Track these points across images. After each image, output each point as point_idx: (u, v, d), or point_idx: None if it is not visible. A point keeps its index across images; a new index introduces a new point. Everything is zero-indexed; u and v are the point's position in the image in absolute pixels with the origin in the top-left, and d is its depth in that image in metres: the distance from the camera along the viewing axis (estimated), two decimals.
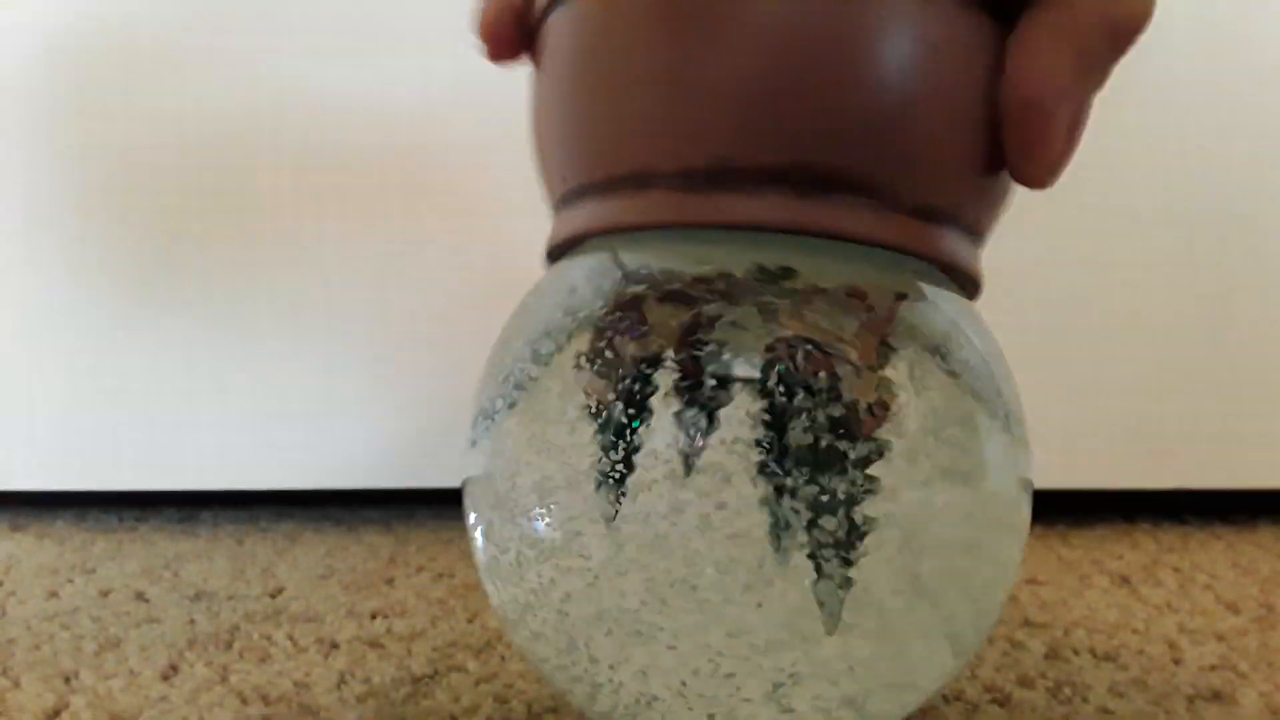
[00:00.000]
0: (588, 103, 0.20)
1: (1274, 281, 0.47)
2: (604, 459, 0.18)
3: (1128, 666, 0.29)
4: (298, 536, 0.46)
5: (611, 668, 0.19)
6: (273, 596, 0.36)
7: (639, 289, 0.19)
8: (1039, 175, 0.19)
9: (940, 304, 0.20)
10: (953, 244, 0.20)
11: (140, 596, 0.36)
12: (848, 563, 0.17)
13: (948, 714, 0.25)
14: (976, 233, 0.21)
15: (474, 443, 0.21)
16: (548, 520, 0.19)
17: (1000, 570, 0.20)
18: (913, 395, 0.18)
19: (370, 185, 0.46)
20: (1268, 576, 0.39)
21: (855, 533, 0.17)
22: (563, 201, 0.21)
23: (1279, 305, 0.47)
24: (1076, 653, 0.30)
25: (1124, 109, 0.45)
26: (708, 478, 0.17)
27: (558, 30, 0.20)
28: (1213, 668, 0.29)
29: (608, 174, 0.19)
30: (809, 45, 0.18)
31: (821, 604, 0.17)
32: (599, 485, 0.18)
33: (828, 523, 0.17)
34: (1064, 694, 0.27)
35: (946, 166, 0.19)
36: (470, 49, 0.21)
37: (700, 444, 0.18)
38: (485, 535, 0.21)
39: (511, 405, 0.20)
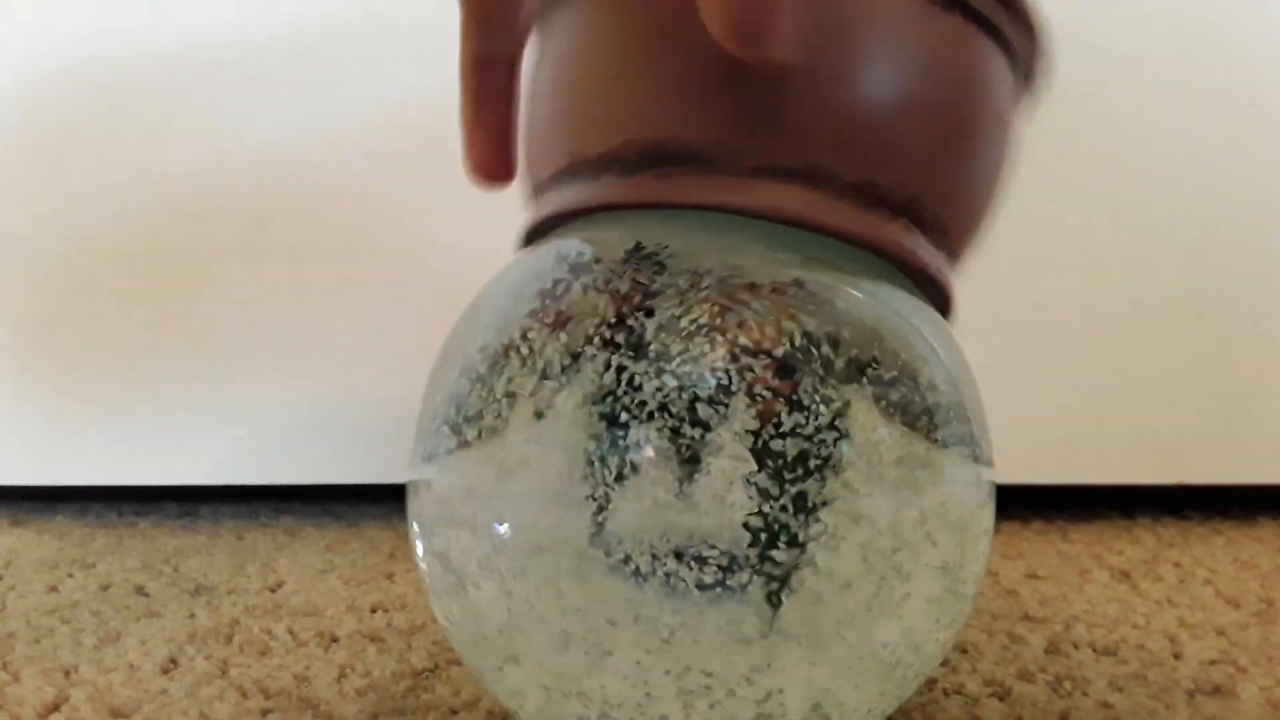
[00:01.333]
0: (553, 97, 0.20)
1: (1275, 278, 0.47)
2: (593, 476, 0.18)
3: (1128, 661, 0.29)
4: (298, 531, 0.46)
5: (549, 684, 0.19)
6: (273, 591, 0.36)
7: (563, 277, 0.19)
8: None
9: (897, 304, 0.20)
10: (917, 244, 0.20)
11: (140, 591, 0.36)
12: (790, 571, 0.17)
13: (948, 707, 0.25)
14: (952, 248, 0.21)
15: (428, 458, 0.21)
16: (506, 532, 0.18)
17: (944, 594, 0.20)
18: (868, 423, 0.18)
19: (363, 177, 0.46)
20: (1267, 571, 0.39)
21: (800, 546, 0.17)
22: (540, 188, 0.22)
23: (1279, 301, 0.47)
24: (1077, 647, 0.30)
25: (1125, 108, 0.45)
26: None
27: (549, 35, 0.21)
28: (1213, 662, 0.29)
29: (563, 162, 0.20)
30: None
31: (762, 611, 0.17)
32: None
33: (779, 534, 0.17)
34: (1064, 688, 0.27)
35: (913, 163, 0.19)
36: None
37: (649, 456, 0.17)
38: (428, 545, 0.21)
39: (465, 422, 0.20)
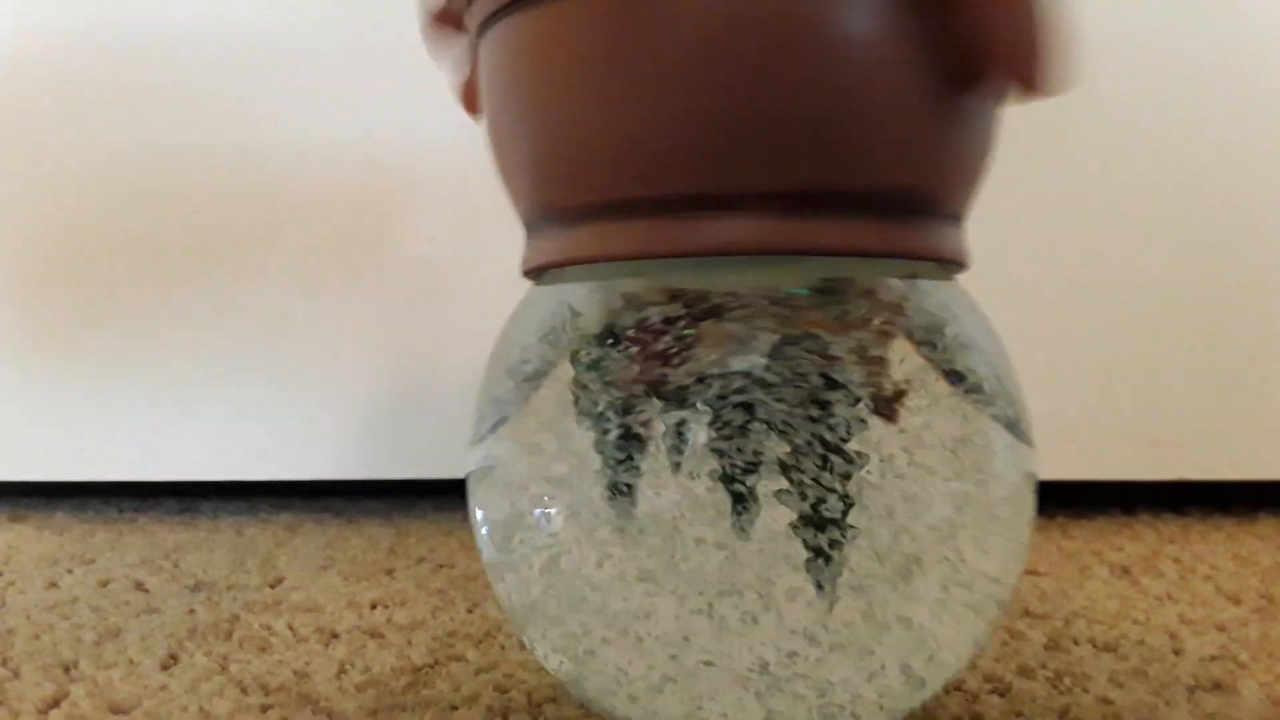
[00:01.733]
0: (555, 126, 0.19)
1: (1275, 273, 0.47)
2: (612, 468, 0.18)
3: (1128, 657, 0.29)
4: (298, 527, 0.46)
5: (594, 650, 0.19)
6: (273, 587, 0.36)
7: (645, 314, 0.19)
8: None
9: (937, 296, 0.20)
10: (937, 236, 0.19)
11: (140, 587, 0.36)
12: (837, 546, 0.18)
13: (948, 704, 0.25)
14: (957, 214, 0.21)
15: (479, 438, 0.22)
16: (551, 522, 0.19)
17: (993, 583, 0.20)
18: (918, 395, 0.18)
19: (363, 173, 0.45)
20: (1268, 567, 0.39)
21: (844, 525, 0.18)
22: (543, 221, 0.20)
23: (1279, 298, 0.47)
24: (1077, 643, 0.30)
25: (1123, 103, 0.45)
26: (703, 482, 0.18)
27: (505, 43, 0.19)
28: (1213, 658, 0.29)
29: (584, 200, 0.19)
30: (754, 70, 0.17)
31: (818, 585, 0.18)
32: (612, 495, 0.19)
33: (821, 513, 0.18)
34: (1064, 684, 0.27)
35: (912, 160, 0.18)
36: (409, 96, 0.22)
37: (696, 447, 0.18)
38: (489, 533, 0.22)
39: (503, 421, 0.21)
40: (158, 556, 0.40)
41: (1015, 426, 0.20)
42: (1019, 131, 0.47)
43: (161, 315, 0.47)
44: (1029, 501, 0.21)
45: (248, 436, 0.47)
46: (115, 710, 0.25)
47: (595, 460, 0.19)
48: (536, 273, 0.21)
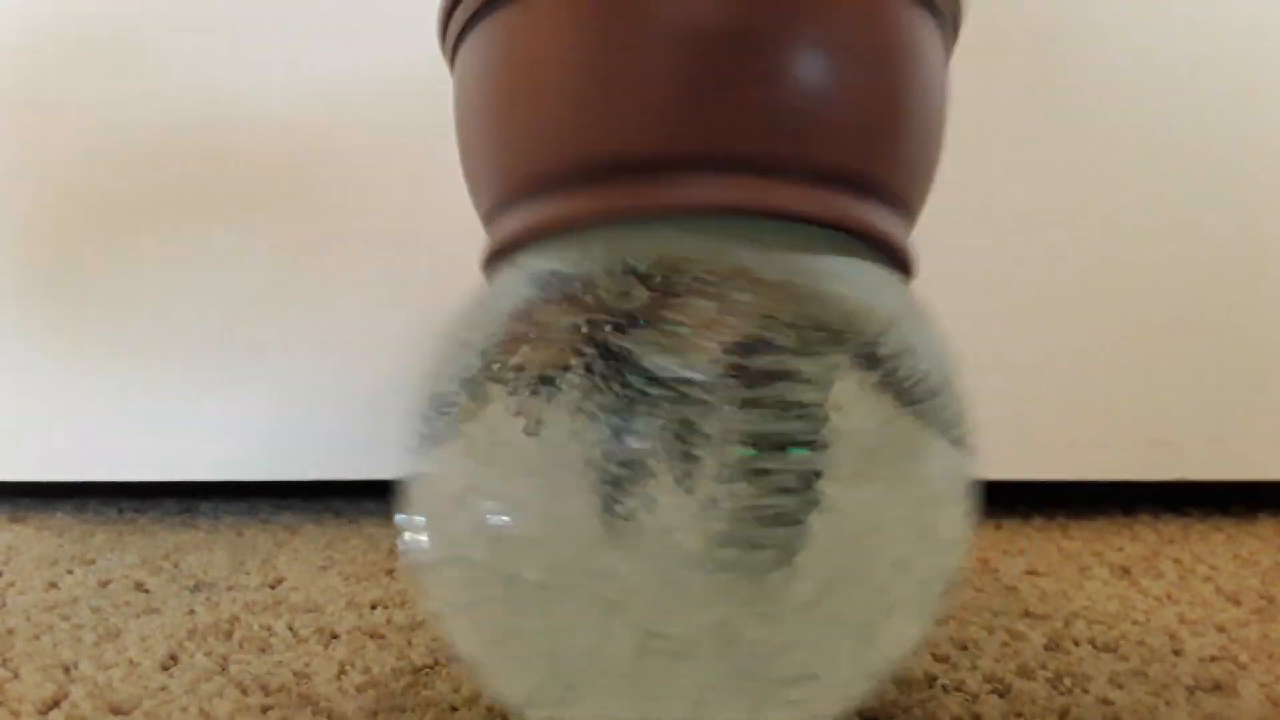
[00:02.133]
0: (510, 111, 0.20)
1: (1275, 274, 0.47)
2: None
3: (1128, 657, 0.29)
4: (298, 528, 0.46)
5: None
6: (272, 587, 0.36)
7: (534, 295, 0.19)
8: None
9: (884, 295, 0.20)
10: (889, 223, 0.20)
11: (140, 587, 0.36)
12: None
13: (948, 704, 0.25)
14: (906, 208, 0.21)
15: (426, 439, 0.21)
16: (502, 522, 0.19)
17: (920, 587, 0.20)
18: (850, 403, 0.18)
19: (364, 169, 0.45)
20: (1268, 568, 0.39)
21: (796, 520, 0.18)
22: (495, 211, 0.21)
23: (1279, 298, 0.47)
24: (1077, 644, 0.30)
25: (1124, 104, 0.45)
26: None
27: (481, 43, 0.21)
28: (1213, 659, 0.29)
29: (533, 178, 0.20)
30: (727, 43, 0.18)
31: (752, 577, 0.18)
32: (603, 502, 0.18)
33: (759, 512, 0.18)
34: (1064, 685, 0.27)
35: (866, 139, 0.19)
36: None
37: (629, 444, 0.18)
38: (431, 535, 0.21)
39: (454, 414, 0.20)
40: (158, 557, 0.40)
41: (950, 431, 0.21)
42: (1019, 132, 0.47)
43: (161, 317, 0.47)
44: (962, 500, 0.21)
45: (247, 437, 0.47)
46: (115, 711, 0.25)
47: (561, 475, 0.18)
48: (501, 254, 0.21)
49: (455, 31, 0.21)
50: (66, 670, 0.28)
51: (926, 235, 0.22)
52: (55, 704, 0.25)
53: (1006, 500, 0.49)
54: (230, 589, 0.35)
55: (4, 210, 0.47)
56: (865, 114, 0.19)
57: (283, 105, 0.45)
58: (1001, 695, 0.26)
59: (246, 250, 0.46)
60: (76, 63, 0.46)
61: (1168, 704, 0.26)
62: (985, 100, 0.43)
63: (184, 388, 0.47)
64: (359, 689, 0.26)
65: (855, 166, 0.19)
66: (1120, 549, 0.42)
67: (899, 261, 0.21)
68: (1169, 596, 0.35)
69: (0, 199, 0.47)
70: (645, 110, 0.18)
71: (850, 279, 0.20)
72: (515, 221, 0.20)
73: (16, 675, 0.27)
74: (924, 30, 0.20)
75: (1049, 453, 0.47)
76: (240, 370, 0.46)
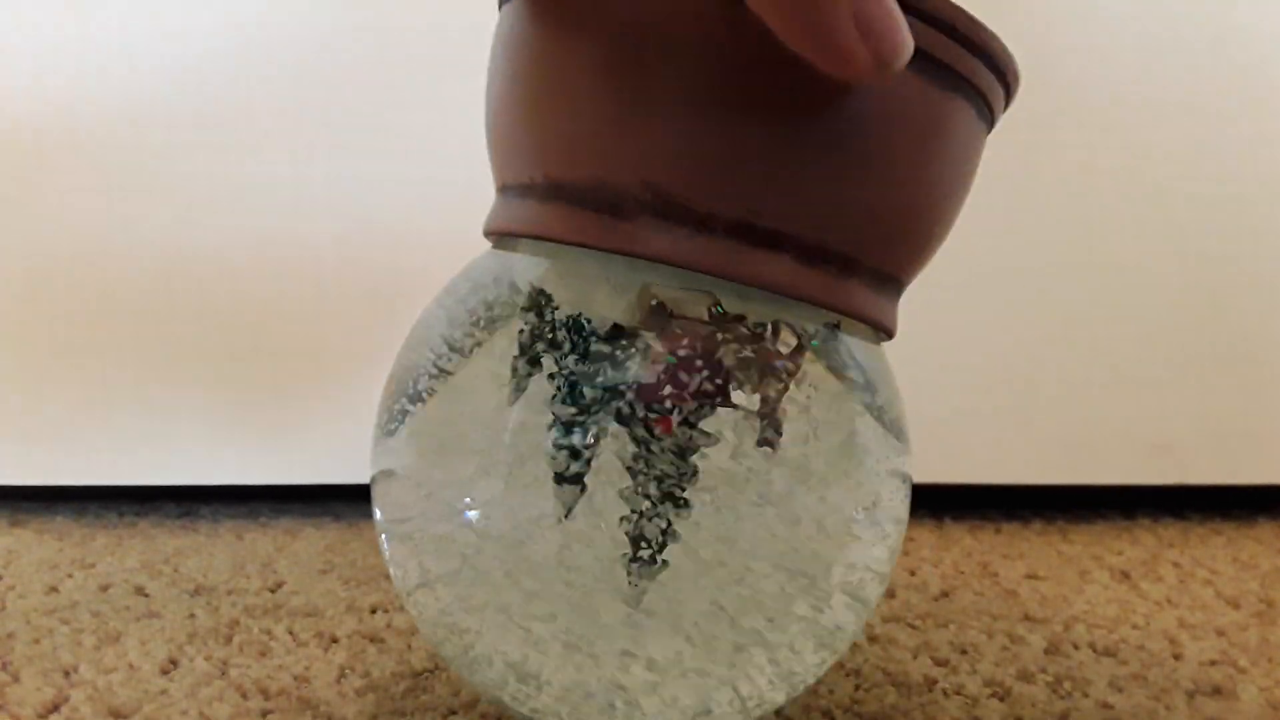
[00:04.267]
0: (543, 105, 0.19)
1: (1274, 277, 0.47)
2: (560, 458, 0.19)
3: (1128, 661, 0.29)
4: (298, 531, 0.46)
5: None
6: (273, 591, 0.36)
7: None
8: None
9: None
10: (864, 297, 0.19)
11: (140, 591, 0.36)
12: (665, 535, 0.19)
13: (948, 707, 0.25)
14: (898, 281, 0.21)
15: (391, 432, 0.22)
16: (475, 514, 0.19)
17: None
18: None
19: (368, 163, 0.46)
20: (1267, 572, 0.39)
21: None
22: (514, 190, 0.21)
23: (1279, 300, 0.47)
24: (1076, 647, 0.30)
25: (1125, 106, 0.45)
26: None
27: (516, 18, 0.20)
28: (1212, 663, 0.29)
29: (555, 179, 0.19)
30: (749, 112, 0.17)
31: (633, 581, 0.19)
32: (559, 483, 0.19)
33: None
34: (1064, 689, 0.27)
35: (868, 222, 0.19)
36: None
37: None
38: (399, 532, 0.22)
39: (429, 395, 0.21)
40: (158, 561, 0.40)
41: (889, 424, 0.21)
42: (1018, 133, 0.47)
43: (161, 320, 0.47)
44: (899, 496, 0.21)
45: (247, 440, 0.47)
46: (115, 714, 0.25)
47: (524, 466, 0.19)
48: (497, 236, 0.21)
49: None
50: (66, 674, 0.28)
51: None
52: (55, 708, 0.25)
53: (1006, 504, 0.49)
54: (230, 593, 0.35)
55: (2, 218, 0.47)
56: (868, 201, 0.18)
57: None
58: (1001, 699, 0.26)
59: (246, 250, 0.46)
60: None
61: (1167, 708, 0.26)
62: None
63: (183, 391, 0.47)
64: (359, 693, 0.26)
65: (844, 250, 0.19)
66: (1120, 553, 0.42)
67: (880, 331, 0.21)
68: (1169, 600, 0.35)
69: (3, 210, 0.47)
70: (676, 155, 0.17)
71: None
72: (512, 213, 0.20)
73: (16, 679, 0.27)
74: (957, 116, 0.19)
75: (1048, 457, 0.47)
76: (239, 374, 0.47)
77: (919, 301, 0.24)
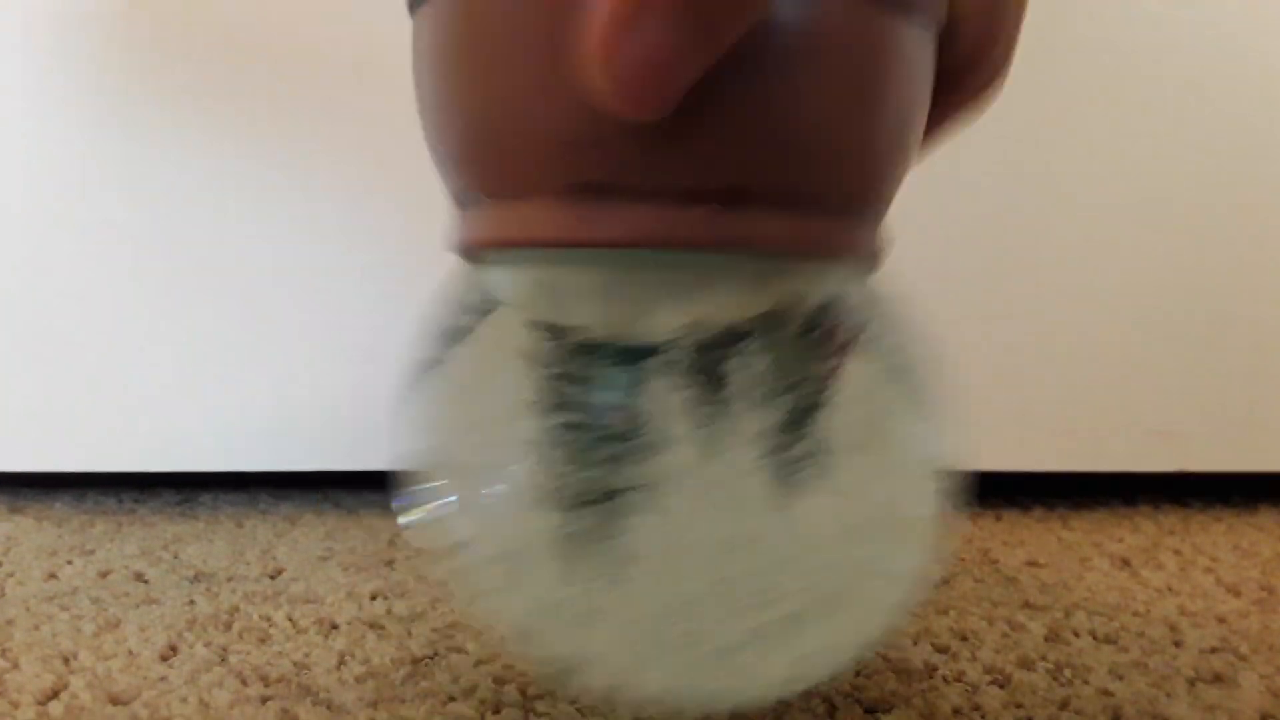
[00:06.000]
0: (481, 104, 0.18)
1: (1275, 264, 0.46)
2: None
3: (1128, 649, 0.29)
4: (297, 518, 0.46)
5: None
6: (272, 578, 0.36)
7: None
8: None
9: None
10: (865, 235, 0.19)
11: (139, 578, 0.36)
12: None
13: (948, 694, 0.25)
14: (881, 214, 0.20)
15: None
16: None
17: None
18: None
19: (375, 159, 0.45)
20: (1269, 559, 0.39)
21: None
22: (473, 200, 0.20)
23: None
24: (1077, 635, 0.30)
25: (1123, 96, 0.45)
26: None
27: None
28: (1213, 650, 0.29)
29: (512, 184, 0.18)
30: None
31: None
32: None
33: None
34: (1064, 676, 0.27)
35: (842, 160, 0.18)
36: None
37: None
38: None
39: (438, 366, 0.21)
40: (157, 547, 0.40)
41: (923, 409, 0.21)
42: (1019, 123, 0.47)
43: (160, 306, 0.46)
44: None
45: (247, 427, 0.47)
46: (115, 701, 0.25)
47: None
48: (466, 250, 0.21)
49: None
50: (66, 660, 0.28)
51: (927, 227, 0.22)
52: (54, 694, 0.25)
53: (1006, 491, 0.49)
54: (230, 579, 0.35)
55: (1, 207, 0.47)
56: (840, 138, 0.18)
57: None
58: (1002, 686, 0.26)
59: (254, 245, 0.46)
60: None
61: (1168, 695, 0.26)
62: None
63: (183, 377, 0.46)
64: (358, 679, 0.26)
65: (822, 190, 0.18)
66: (1120, 540, 0.42)
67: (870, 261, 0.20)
68: (1169, 588, 0.35)
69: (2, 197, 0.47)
70: (629, 135, 0.16)
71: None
72: (485, 224, 0.19)
73: (16, 666, 0.27)
74: (909, 40, 0.18)
75: (1048, 443, 0.47)
76: (240, 359, 0.46)
77: (917, 289, 0.24)
